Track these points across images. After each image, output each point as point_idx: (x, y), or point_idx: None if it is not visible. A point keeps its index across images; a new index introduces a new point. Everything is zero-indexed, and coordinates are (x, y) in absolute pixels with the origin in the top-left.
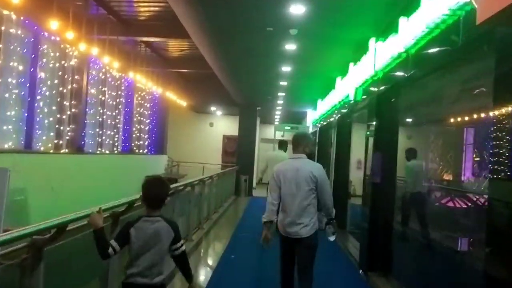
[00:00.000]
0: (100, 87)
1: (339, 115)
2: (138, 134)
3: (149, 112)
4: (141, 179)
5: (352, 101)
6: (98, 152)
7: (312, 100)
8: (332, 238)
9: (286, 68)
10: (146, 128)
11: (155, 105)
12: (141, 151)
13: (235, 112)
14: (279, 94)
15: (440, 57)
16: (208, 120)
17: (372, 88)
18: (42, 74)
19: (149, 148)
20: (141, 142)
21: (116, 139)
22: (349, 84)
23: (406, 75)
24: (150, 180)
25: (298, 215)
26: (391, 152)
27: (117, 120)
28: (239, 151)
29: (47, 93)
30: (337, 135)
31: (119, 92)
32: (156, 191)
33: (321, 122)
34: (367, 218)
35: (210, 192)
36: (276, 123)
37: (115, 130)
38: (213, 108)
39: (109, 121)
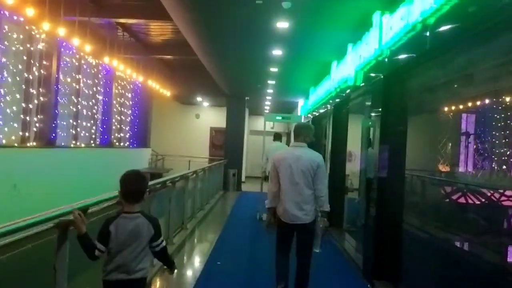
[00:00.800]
0: (73, 74)
1: (334, 104)
2: (118, 126)
3: (130, 102)
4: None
5: (349, 88)
6: (72, 145)
7: (304, 89)
8: (317, 249)
9: (277, 52)
10: (128, 120)
11: (137, 95)
12: (122, 144)
13: (222, 103)
14: (269, 81)
15: (472, 23)
16: (194, 112)
17: (375, 71)
18: (4, 59)
19: (131, 141)
20: (122, 135)
21: (93, 131)
22: (347, 68)
23: (421, 52)
24: (128, 175)
25: (301, 202)
26: (399, 143)
27: (94, 111)
28: (227, 144)
29: (10, 79)
30: (332, 125)
31: (96, 81)
32: (134, 186)
33: (314, 112)
34: (372, 217)
35: (195, 188)
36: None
37: (92, 122)
38: (199, 99)
39: (84, 111)
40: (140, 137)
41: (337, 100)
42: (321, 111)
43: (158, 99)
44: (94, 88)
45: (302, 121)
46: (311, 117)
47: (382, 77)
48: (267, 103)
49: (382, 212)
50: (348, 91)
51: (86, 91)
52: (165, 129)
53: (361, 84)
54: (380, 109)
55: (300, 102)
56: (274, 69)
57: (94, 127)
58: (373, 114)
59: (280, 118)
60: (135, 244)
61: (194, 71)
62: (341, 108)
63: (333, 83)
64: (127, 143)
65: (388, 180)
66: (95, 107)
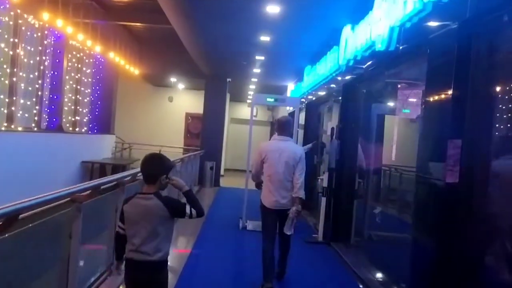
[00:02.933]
0: (6, 37)
1: (345, 82)
2: (72, 107)
3: (90, 79)
4: (77, 166)
5: (375, 56)
6: (3, 128)
7: (297, 69)
8: (289, 232)
9: (273, 8)
10: (86, 100)
11: (99, 71)
12: (78, 129)
13: (200, 86)
14: (257, 57)
15: None
16: (167, 94)
17: (436, 19)
18: None
19: (91, 125)
20: (78, 118)
21: (36, 111)
22: (374, 29)
23: None
24: (146, 156)
25: (283, 190)
26: (482, 135)
27: (37, 86)
28: (204, 133)
29: None
30: (341, 110)
31: (41, 48)
32: (148, 167)
33: (309, 96)
34: (429, 254)
35: None
36: (249, 101)
37: (34, 100)
38: (173, 80)
39: (22, 85)
40: (102, 122)
41: (350, 76)
42: (317, 95)
43: (125, 79)
44: (38, 58)
45: (299, 104)
46: (305, 101)
47: (457, 25)
48: (252, 87)
49: (452, 244)
50: (362, 66)
51: (26, 60)
52: (133, 113)
53: (400, 47)
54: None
55: (290, 86)
56: (265, 38)
57: (37, 107)
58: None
59: (272, 99)
60: (149, 225)
61: (167, 44)
62: (354, 86)
63: (344, 54)
64: (85, 128)
65: (461, 189)
66: (39, 82)
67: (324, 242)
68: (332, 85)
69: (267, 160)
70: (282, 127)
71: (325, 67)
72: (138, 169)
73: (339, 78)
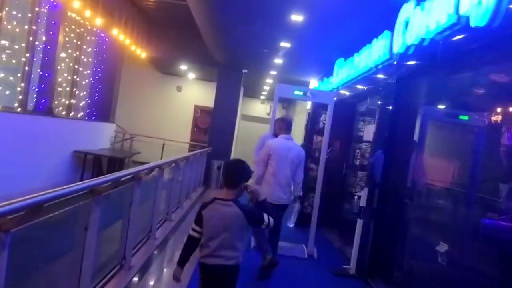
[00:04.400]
0: None
1: (399, 75)
2: (68, 89)
3: (91, 59)
4: (68, 156)
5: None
6: None
7: (327, 61)
8: (291, 224)
9: None
10: (85, 83)
11: (101, 51)
12: (72, 114)
13: (212, 77)
14: (282, 44)
15: None
16: (176, 83)
17: None
18: None
19: (89, 111)
20: (74, 101)
21: (21, 89)
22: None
23: None
24: (230, 160)
25: (286, 186)
26: None
27: (24, 60)
28: (213, 129)
29: None
30: (393, 109)
31: (32, 16)
32: (232, 171)
33: (337, 94)
34: None
35: (157, 189)
36: (263, 97)
37: (19, 75)
38: (183, 68)
39: (4, 56)
40: (101, 108)
41: (403, 68)
42: (350, 93)
43: (130, 62)
44: (27, 27)
45: (333, 99)
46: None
47: None
48: (269, 81)
49: None
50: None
51: (11, 28)
52: (137, 101)
53: None
54: None
55: (313, 82)
56: (297, 18)
57: (23, 84)
58: None
59: (300, 92)
60: (227, 231)
61: (180, 26)
62: (412, 81)
63: (402, 39)
64: (82, 113)
65: None
66: (27, 55)
67: (358, 276)
68: (365, 84)
69: (273, 158)
70: (288, 126)
71: (369, 57)
72: (120, 173)
73: (380, 76)
